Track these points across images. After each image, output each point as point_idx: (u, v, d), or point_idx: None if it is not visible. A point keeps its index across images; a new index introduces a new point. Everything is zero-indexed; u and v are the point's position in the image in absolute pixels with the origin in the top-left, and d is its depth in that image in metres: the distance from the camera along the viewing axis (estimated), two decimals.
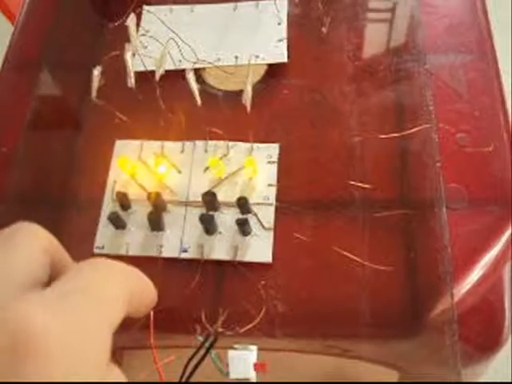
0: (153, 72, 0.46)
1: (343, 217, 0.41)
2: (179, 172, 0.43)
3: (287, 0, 0.51)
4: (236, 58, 0.48)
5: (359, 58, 0.48)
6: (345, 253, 0.39)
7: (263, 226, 0.40)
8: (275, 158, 0.43)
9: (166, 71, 0.47)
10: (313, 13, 0.51)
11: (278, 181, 0.42)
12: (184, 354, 0.35)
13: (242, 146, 0.44)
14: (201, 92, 0.45)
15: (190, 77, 0.45)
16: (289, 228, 0.40)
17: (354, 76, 0.47)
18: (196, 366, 0.35)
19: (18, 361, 0.17)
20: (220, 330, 0.37)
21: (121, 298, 0.21)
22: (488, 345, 0.40)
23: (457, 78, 0.45)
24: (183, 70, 0.45)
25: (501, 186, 0.41)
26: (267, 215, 0.41)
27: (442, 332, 0.37)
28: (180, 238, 0.41)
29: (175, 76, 0.46)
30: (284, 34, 0.49)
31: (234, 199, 0.41)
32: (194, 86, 0.44)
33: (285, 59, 0.48)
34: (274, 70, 0.48)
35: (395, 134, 0.43)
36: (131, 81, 0.45)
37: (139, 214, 0.42)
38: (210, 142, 0.44)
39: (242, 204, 0.40)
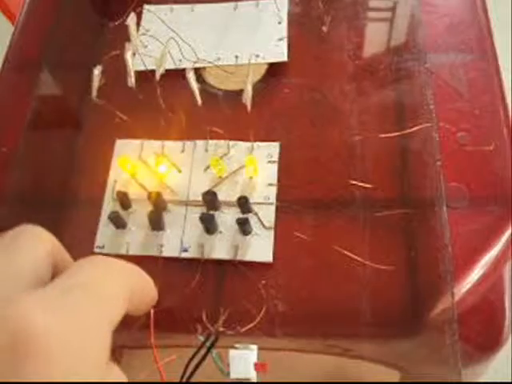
0: (153, 71, 0.46)
1: (344, 216, 0.41)
2: (180, 171, 0.43)
3: None
4: (236, 57, 0.48)
5: (359, 57, 0.48)
6: (345, 252, 0.39)
7: (264, 226, 0.40)
8: (276, 157, 0.43)
9: (167, 70, 0.47)
10: (313, 12, 0.50)
11: (279, 180, 0.42)
12: (185, 353, 0.35)
13: (243, 145, 0.44)
14: (201, 91, 0.45)
15: (191, 76, 0.45)
16: (289, 227, 0.40)
17: (354, 75, 0.47)
18: (197, 366, 0.35)
19: (18, 360, 0.17)
20: (221, 329, 0.37)
21: (121, 295, 0.21)
22: (488, 344, 0.40)
23: (457, 77, 0.45)
24: (183, 70, 0.45)
25: (501, 184, 0.41)
26: (268, 214, 0.41)
27: (443, 331, 0.37)
28: (180, 238, 0.41)
29: (175, 75, 0.46)
30: (284, 33, 0.49)
31: (234, 198, 0.41)
32: (195, 85, 0.44)
33: (285, 58, 0.48)
34: (274, 69, 0.48)
35: (395, 133, 0.43)
36: (131, 80, 0.45)
37: (139, 213, 0.42)
38: (211, 142, 0.44)
39: (243, 203, 0.40)
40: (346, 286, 0.38)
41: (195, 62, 0.47)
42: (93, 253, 0.41)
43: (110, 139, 0.46)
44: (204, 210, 0.41)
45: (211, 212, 0.41)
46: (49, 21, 0.54)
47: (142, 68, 0.47)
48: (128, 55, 0.46)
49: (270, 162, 0.43)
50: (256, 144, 0.44)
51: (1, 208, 0.44)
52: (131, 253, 0.41)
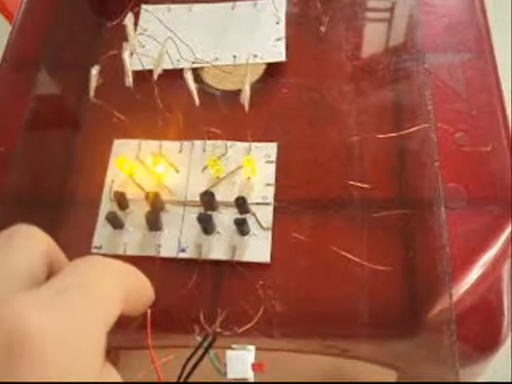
0: (151, 71, 0.46)
1: (342, 216, 0.41)
2: (177, 171, 0.43)
3: None
4: (234, 57, 0.48)
5: (358, 58, 0.48)
6: (343, 253, 0.39)
7: (261, 226, 0.40)
8: (273, 157, 0.43)
9: (164, 70, 0.46)
10: (311, 12, 0.50)
11: (277, 180, 0.42)
12: (182, 353, 0.35)
13: (241, 145, 0.44)
14: (199, 91, 0.45)
15: (188, 76, 0.44)
16: (287, 228, 0.40)
17: (352, 75, 0.47)
18: (194, 366, 0.35)
19: (13, 360, 0.17)
20: (218, 329, 0.37)
21: (116, 295, 0.21)
22: (487, 345, 0.40)
23: (455, 77, 0.45)
24: (181, 70, 0.45)
25: (499, 185, 0.41)
26: (265, 215, 0.41)
27: (441, 332, 0.37)
28: (178, 238, 0.41)
29: (173, 75, 0.46)
30: (282, 33, 0.49)
31: (232, 199, 0.41)
32: (192, 85, 0.44)
33: (283, 58, 0.48)
34: (272, 69, 0.47)
35: (394, 134, 0.43)
36: (129, 80, 0.45)
37: (137, 213, 0.42)
38: (208, 142, 0.44)
39: (241, 204, 0.40)
40: (343, 287, 0.38)
41: (193, 62, 0.47)
42: (90, 253, 0.41)
43: (107, 139, 0.45)
44: (202, 210, 0.41)
45: (209, 212, 0.41)
46: (46, 20, 0.54)
47: (139, 68, 0.47)
48: (126, 55, 0.46)
49: (267, 162, 0.43)
50: (254, 144, 0.44)
51: None
52: (129, 253, 0.40)
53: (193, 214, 0.41)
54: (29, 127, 0.48)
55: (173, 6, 0.53)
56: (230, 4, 0.52)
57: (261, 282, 0.39)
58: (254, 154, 0.43)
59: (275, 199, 0.41)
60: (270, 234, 0.40)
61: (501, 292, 0.40)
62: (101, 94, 0.46)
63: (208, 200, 0.40)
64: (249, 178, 0.42)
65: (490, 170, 0.41)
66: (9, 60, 0.52)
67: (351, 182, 0.41)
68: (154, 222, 0.40)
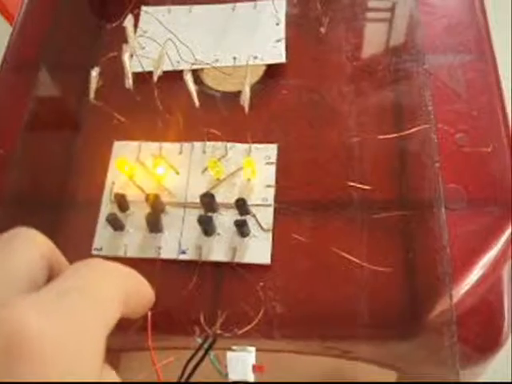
0: (151, 73, 0.46)
1: (342, 218, 0.41)
2: (177, 173, 0.43)
3: (285, 0, 0.51)
4: (234, 58, 0.48)
5: (358, 58, 0.48)
6: (343, 254, 0.39)
7: (262, 228, 0.40)
8: (273, 158, 0.43)
9: (164, 72, 0.46)
10: (311, 13, 0.50)
11: (277, 182, 0.42)
12: (183, 355, 0.35)
13: (241, 146, 0.44)
14: (199, 93, 0.45)
15: (188, 78, 0.44)
16: (287, 229, 0.40)
17: (352, 76, 0.47)
18: (195, 368, 0.35)
19: (13, 363, 0.16)
20: (218, 331, 0.37)
21: (116, 298, 0.21)
22: (487, 346, 0.40)
23: (455, 78, 0.45)
24: (181, 71, 0.45)
25: (499, 186, 0.41)
26: (266, 216, 0.41)
27: (441, 333, 0.37)
28: (178, 240, 0.41)
29: (173, 77, 0.46)
30: (282, 34, 0.49)
31: (232, 200, 0.41)
32: (192, 87, 0.44)
33: (283, 59, 0.48)
34: (272, 70, 0.47)
35: (394, 135, 0.43)
36: (129, 82, 0.45)
37: (137, 215, 0.42)
38: (208, 143, 0.44)
39: (241, 205, 0.40)
40: (344, 288, 0.38)
41: (193, 64, 0.47)
42: (91, 255, 0.41)
43: (107, 141, 0.45)
44: (202, 211, 0.41)
45: (209, 214, 0.41)
46: (47, 22, 0.54)
47: (139, 69, 0.47)
48: (125, 57, 0.46)
49: (267, 163, 0.43)
50: (254, 146, 0.44)
51: None
52: (129, 255, 0.40)
53: (193, 215, 0.41)
54: (29, 129, 0.48)
55: (173, 8, 0.53)
56: (230, 5, 0.52)
57: (261, 284, 0.39)
58: (254, 156, 0.43)
59: (275, 200, 0.41)
60: (270, 235, 0.40)
61: (501, 293, 0.40)
62: (101, 95, 0.46)
63: (208, 201, 0.40)
64: (249, 179, 0.42)
65: (490, 171, 0.41)
66: (9, 61, 0.52)
67: (351, 183, 0.41)
68: (154, 224, 0.40)
